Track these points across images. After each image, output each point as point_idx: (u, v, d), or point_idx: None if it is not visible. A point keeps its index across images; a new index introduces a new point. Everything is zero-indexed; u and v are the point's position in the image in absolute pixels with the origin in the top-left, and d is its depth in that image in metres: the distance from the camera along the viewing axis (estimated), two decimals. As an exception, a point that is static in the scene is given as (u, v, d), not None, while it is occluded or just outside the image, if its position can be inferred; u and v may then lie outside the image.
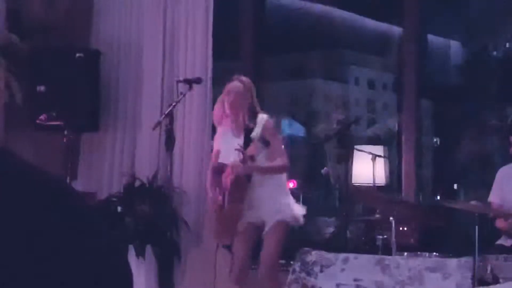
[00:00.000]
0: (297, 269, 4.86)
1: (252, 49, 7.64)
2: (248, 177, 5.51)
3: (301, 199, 8.29)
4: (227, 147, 5.55)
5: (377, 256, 4.94)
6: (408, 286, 4.77)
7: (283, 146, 5.74)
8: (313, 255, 4.85)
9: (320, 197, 8.78)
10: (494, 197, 6.07)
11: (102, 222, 1.24)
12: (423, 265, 4.70)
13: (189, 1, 7.33)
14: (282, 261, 5.87)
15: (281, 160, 5.55)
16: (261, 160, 5.49)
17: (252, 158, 5.38)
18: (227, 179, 5.49)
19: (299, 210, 5.68)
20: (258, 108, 5.68)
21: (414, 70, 7.07)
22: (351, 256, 4.89)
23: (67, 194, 1.22)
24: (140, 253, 6.69)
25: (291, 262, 5.27)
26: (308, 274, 4.81)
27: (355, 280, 4.84)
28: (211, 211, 5.84)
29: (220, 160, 5.64)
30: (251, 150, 5.38)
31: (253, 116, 5.57)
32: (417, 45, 7.12)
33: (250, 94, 5.66)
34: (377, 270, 4.72)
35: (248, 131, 5.46)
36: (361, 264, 4.81)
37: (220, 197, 5.54)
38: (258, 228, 5.61)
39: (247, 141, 5.42)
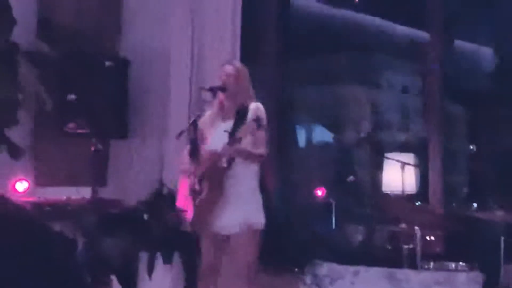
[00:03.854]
0: (308, 281, 4.84)
1: (278, 54, 7.64)
2: (229, 162, 5.42)
3: (333, 208, 8.28)
4: (216, 134, 5.49)
5: (387, 269, 4.91)
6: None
7: (265, 138, 5.58)
8: (324, 268, 4.83)
9: (349, 204, 8.74)
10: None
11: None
12: (432, 279, 4.66)
13: (216, 9, 7.35)
14: (296, 269, 5.82)
15: (261, 150, 5.46)
16: (246, 146, 5.40)
17: (239, 140, 5.28)
18: (204, 163, 5.42)
19: (262, 216, 5.55)
20: (252, 95, 5.61)
21: (439, 76, 7.02)
22: (362, 269, 4.86)
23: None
24: (167, 260, 6.72)
25: (303, 272, 5.22)
26: (319, 286, 4.79)
27: (364, 293, 4.81)
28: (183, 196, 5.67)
29: (209, 148, 5.55)
30: (242, 132, 5.27)
31: (249, 99, 5.51)
32: (442, 50, 7.06)
33: (243, 78, 5.62)
34: (387, 283, 4.69)
35: (240, 113, 5.39)
36: (371, 277, 4.78)
37: (197, 184, 5.45)
38: (225, 236, 5.51)
39: (238, 124, 5.34)
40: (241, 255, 5.42)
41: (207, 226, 5.48)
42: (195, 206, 5.39)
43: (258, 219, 5.46)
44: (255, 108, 5.43)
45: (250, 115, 5.30)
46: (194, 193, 5.42)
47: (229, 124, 5.38)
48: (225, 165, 5.38)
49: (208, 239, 5.58)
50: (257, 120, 5.23)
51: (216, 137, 5.48)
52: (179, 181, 5.72)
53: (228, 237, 5.46)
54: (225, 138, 5.28)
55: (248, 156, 5.42)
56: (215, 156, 5.38)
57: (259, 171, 5.60)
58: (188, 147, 5.61)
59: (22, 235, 1.20)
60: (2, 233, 1.18)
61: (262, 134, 5.39)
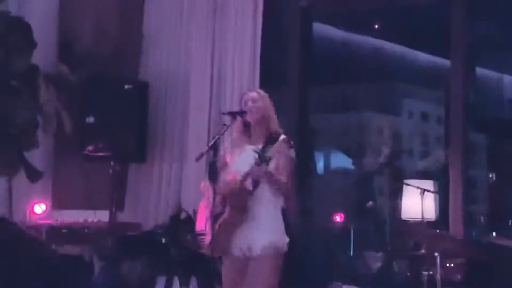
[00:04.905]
0: (328, 304, 4.79)
1: (299, 81, 7.62)
2: (255, 185, 5.40)
3: (351, 233, 8.22)
4: (243, 156, 5.45)
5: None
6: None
7: (290, 168, 5.52)
8: (344, 290, 4.78)
9: (368, 231, 8.68)
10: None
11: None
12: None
13: (237, 33, 7.37)
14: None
15: (287, 178, 5.41)
16: (271, 168, 5.36)
17: (268, 161, 5.23)
18: (227, 185, 5.38)
19: (285, 238, 5.50)
20: (277, 125, 5.58)
21: (461, 104, 6.98)
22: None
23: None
24: (184, 284, 6.69)
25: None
26: (338, 309, 4.73)
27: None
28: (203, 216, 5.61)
29: (234, 168, 5.49)
30: (272, 152, 5.22)
31: (276, 130, 5.49)
32: (464, 78, 7.03)
33: (268, 104, 5.59)
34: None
35: (271, 138, 5.36)
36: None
37: (219, 207, 5.40)
38: (247, 259, 5.45)
39: (267, 145, 5.31)
40: (263, 278, 5.37)
41: (228, 249, 5.43)
42: (216, 228, 5.34)
43: (282, 241, 5.42)
44: (285, 138, 5.39)
45: (281, 140, 5.28)
46: (215, 216, 5.37)
47: (258, 148, 5.35)
48: (250, 188, 5.35)
49: (229, 262, 5.53)
50: (287, 142, 5.22)
51: (243, 158, 5.43)
52: (199, 204, 5.68)
53: (249, 260, 5.41)
54: (252, 160, 5.24)
55: (275, 180, 5.37)
56: (241, 178, 5.34)
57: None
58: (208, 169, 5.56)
59: (30, 259, 1.20)
60: (9, 260, 1.18)
61: (287, 162, 5.36)
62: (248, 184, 5.31)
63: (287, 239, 5.42)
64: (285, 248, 5.41)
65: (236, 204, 5.35)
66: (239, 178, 5.32)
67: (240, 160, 5.46)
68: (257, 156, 5.19)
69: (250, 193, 5.32)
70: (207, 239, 5.38)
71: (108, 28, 7.85)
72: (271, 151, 5.21)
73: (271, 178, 5.32)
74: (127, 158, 7.45)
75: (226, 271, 5.56)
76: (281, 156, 5.25)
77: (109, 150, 7.07)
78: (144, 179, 7.61)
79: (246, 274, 5.41)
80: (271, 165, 5.25)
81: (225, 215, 5.34)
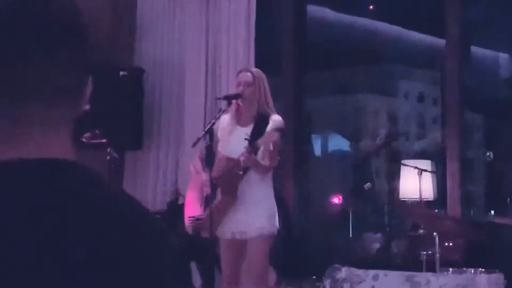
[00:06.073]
0: (327, 286, 4.80)
1: (294, 65, 7.61)
2: (245, 170, 5.39)
3: (350, 215, 8.23)
4: (233, 139, 5.45)
5: (407, 273, 4.85)
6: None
7: (277, 150, 5.51)
8: (343, 272, 4.78)
9: (366, 212, 8.70)
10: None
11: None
12: (453, 282, 4.60)
13: (231, 19, 7.35)
14: (313, 277, 5.77)
15: (267, 162, 5.40)
16: (259, 155, 5.36)
17: (257, 150, 5.25)
18: (218, 168, 5.39)
19: (275, 222, 5.51)
20: (271, 102, 5.56)
21: (457, 83, 6.98)
22: (381, 273, 4.80)
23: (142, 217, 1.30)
24: (184, 270, 6.69)
25: (323, 278, 5.18)
26: (338, 290, 4.74)
27: (384, 297, 4.75)
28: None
29: (225, 153, 5.51)
30: (264, 140, 5.23)
31: (268, 107, 5.48)
32: (459, 58, 7.02)
33: (261, 84, 5.57)
34: (407, 287, 4.64)
35: (260, 121, 5.36)
36: (391, 281, 4.73)
37: (209, 189, 5.42)
38: (242, 242, 5.47)
39: (257, 132, 5.32)
40: (253, 261, 5.39)
41: (221, 232, 5.45)
42: (209, 211, 5.36)
43: (271, 225, 5.43)
44: (277, 120, 5.39)
45: (271, 126, 5.28)
46: (206, 198, 5.39)
47: (247, 130, 5.36)
48: (241, 172, 5.36)
49: (225, 245, 5.55)
50: (279, 130, 5.20)
51: (233, 142, 5.43)
52: (188, 188, 5.70)
53: (245, 242, 5.43)
54: (242, 145, 5.25)
55: (259, 166, 5.39)
56: (232, 163, 5.35)
57: (274, 179, 5.58)
58: (201, 152, 5.57)
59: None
60: None
61: (277, 147, 5.34)
62: (240, 169, 5.34)
63: (276, 225, 5.44)
64: (274, 233, 5.43)
65: (226, 188, 5.37)
66: (230, 163, 5.34)
67: (230, 141, 5.47)
68: (248, 144, 5.20)
69: (241, 176, 5.34)
70: (205, 222, 5.40)
71: (102, 14, 7.81)
72: (262, 140, 5.21)
73: (257, 165, 5.34)
74: (124, 145, 7.44)
75: (224, 256, 5.59)
76: (268, 140, 5.24)
77: (105, 137, 7.05)
78: (140, 166, 7.61)
79: (242, 256, 5.44)
80: (259, 153, 5.27)
81: (216, 199, 5.36)
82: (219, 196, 5.40)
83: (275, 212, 5.49)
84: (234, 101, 5.53)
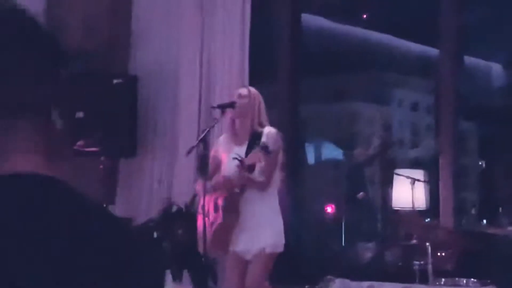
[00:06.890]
0: (321, 297, 4.80)
1: (290, 72, 7.62)
2: (242, 188, 5.42)
3: (343, 224, 8.24)
4: (230, 159, 5.47)
5: (401, 285, 4.86)
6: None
7: (276, 166, 5.53)
8: (337, 284, 4.79)
9: (359, 221, 8.70)
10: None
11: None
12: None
13: (226, 27, 7.35)
14: (306, 286, 5.78)
15: (262, 178, 5.42)
16: (256, 172, 5.39)
17: (252, 167, 5.28)
18: (219, 188, 5.43)
19: (281, 239, 5.50)
20: (266, 121, 5.59)
21: (451, 92, 7.00)
22: (376, 284, 4.81)
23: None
24: (176, 277, 6.70)
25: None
26: (332, 302, 4.74)
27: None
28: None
29: (224, 172, 5.54)
30: (251, 158, 5.27)
31: (261, 126, 5.51)
32: (453, 67, 7.04)
33: (256, 103, 5.59)
34: (402, 298, 4.64)
35: (253, 138, 5.39)
36: (384, 293, 4.74)
37: (212, 209, 5.45)
38: (246, 261, 5.49)
39: (250, 150, 5.35)
40: (253, 279, 5.41)
41: (227, 250, 5.49)
42: (213, 230, 5.41)
43: (275, 243, 5.43)
44: (267, 133, 5.41)
45: (261, 141, 5.30)
46: (208, 217, 5.42)
47: (243, 149, 5.39)
48: (238, 190, 5.39)
49: (231, 262, 5.56)
50: (264, 148, 5.19)
51: (229, 162, 5.46)
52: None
53: (249, 261, 5.46)
54: (236, 164, 5.29)
55: (253, 184, 5.41)
56: (228, 182, 5.40)
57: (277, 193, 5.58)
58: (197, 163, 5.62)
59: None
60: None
61: (268, 161, 5.34)
62: (237, 188, 5.39)
63: (283, 241, 5.44)
64: (281, 249, 5.44)
65: (227, 206, 5.40)
66: (227, 182, 5.39)
67: (226, 161, 5.51)
68: (238, 163, 5.23)
69: (239, 194, 5.37)
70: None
71: (97, 22, 7.82)
72: (250, 157, 5.25)
73: (252, 183, 5.36)
74: (118, 153, 7.44)
75: (229, 273, 5.61)
76: (261, 159, 5.27)
77: (99, 145, 7.05)
78: (135, 174, 7.60)
79: (246, 274, 5.46)
80: (256, 170, 5.30)
81: (219, 218, 5.40)
82: (221, 217, 5.44)
83: (280, 229, 5.47)
84: (229, 118, 5.57)
